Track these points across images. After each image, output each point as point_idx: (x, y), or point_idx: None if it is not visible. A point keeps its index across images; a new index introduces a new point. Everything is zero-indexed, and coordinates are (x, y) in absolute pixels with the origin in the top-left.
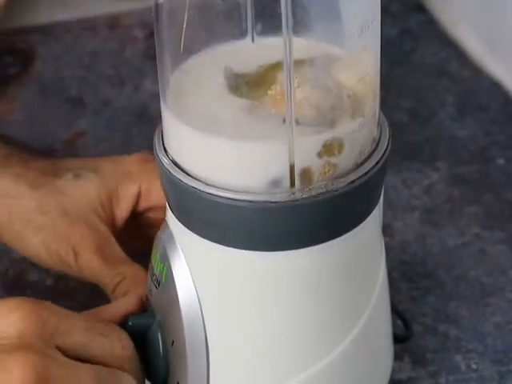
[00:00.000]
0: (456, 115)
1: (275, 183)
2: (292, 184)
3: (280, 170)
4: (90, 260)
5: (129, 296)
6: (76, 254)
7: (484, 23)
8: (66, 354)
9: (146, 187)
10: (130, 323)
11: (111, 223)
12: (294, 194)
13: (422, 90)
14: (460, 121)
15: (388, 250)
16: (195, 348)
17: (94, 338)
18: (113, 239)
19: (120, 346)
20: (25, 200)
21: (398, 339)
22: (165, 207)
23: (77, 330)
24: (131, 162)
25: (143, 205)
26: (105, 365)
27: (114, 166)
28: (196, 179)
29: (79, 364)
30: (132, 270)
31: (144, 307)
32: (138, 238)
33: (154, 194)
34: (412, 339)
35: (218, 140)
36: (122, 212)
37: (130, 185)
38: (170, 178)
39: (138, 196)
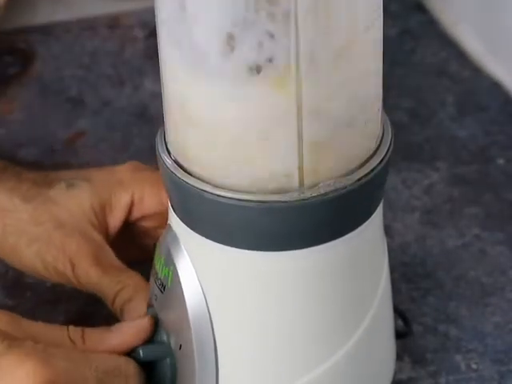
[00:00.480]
0: (456, 115)
1: (283, 183)
2: (301, 183)
3: (288, 169)
4: (87, 270)
5: (142, 318)
6: (73, 266)
7: (484, 23)
8: None
9: (138, 196)
10: (141, 354)
11: (105, 232)
12: (303, 193)
13: (422, 90)
14: (460, 121)
15: (388, 251)
16: (203, 351)
17: None
18: (108, 248)
19: None
20: (18, 213)
21: (397, 335)
22: (157, 215)
23: None
24: (123, 170)
25: (136, 214)
26: None
27: (107, 175)
28: (200, 180)
29: None
30: (131, 277)
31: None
32: (132, 247)
33: (147, 203)
34: (412, 339)
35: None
36: (115, 221)
37: (123, 193)
38: (173, 179)
39: (131, 205)
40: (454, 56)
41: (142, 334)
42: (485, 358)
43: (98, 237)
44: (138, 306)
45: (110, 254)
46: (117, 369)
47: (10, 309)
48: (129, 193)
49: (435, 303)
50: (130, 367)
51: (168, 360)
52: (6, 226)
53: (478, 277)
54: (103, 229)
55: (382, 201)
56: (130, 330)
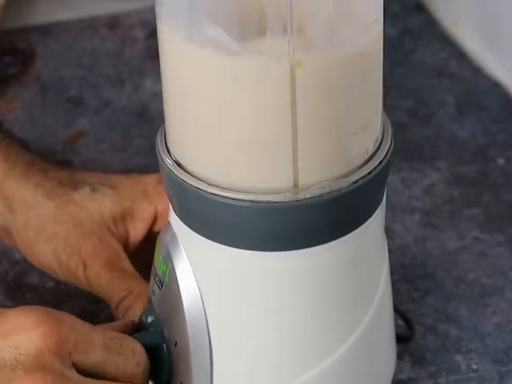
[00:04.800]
0: (456, 115)
1: (278, 183)
2: (296, 185)
3: (283, 171)
4: (98, 273)
5: (127, 319)
6: (85, 267)
7: (484, 23)
8: (81, 370)
9: (163, 207)
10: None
11: (124, 240)
12: (297, 193)
13: (422, 90)
14: (460, 121)
15: (388, 252)
16: (199, 348)
17: (110, 357)
18: (124, 255)
19: (135, 362)
20: (40, 209)
21: (400, 339)
22: None
23: (94, 348)
24: (149, 181)
25: (161, 225)
26: (117, 381)
27: (132, 184)
28: (199, 179)
29: (92, 382)
30: (139, 286)
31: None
32: None
33: None
34: (412, 339)
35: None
36: (137, 231)
37: (146, 205)
38: (172, 179)
39: (155, 217)
40: (454, 56)
41: (128, 327)
42: (485, 358)
43: (114, 243)
44: (136, 313)
45: (124, 261)
46: (124, 340)
47: None
48: (152, 205)
49: (435, 304)
50: (136, 344)
51: (165, 349)
52: (28, 221)
53: (477, 278)
54: (122, 237)
55: (384, 202)
56: (118, 325)
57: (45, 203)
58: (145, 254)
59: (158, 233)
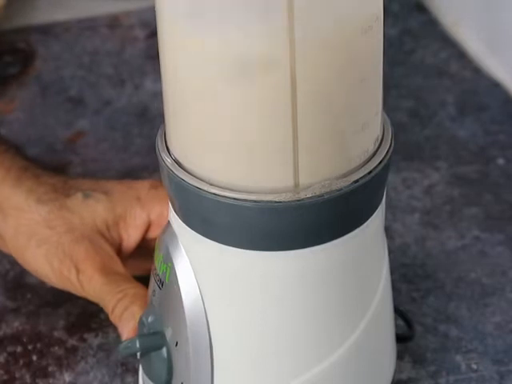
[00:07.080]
0: (456, 115)
1: (279, 183)
2: (296, 184)
3: (283, 170)
4: (91, 278)
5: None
6: (78, 271)
7: (484, 23)
8: None
9: (157, 213)
10: (138, 344)
11: (117, 246)
12: (298, 193)
13: (422, 90)
14: (460, 121)
15: (388, 252)
16: (199, 348)
17: None
18: (117, 259)
19: None
20: (32, 213)
21: (400, 339)
22: None
23: None
24: (142, 187)
25: (155, 231)
26: None
27: (125, 189)
28: (199, 179)
29: None
30: (134, 287)
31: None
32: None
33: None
34: (412, 339)
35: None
36: (130, 237)
37: (139, 211)
38: (172, 178)
39: (149, 223)
40: (454, 56)
41: None
42: (485, 358)
43: (106, 247)
44: (133, 315)
45: (117, 265)
46: None
47: (11, 311)
48: (145, 211)
49: (435, 303)
50: None
51: (165, 350)
52: (19, 226)
53: (478, 277)
54: (115, 242)
55: (384, 202)
56: None
57: (36, 207)
58: (141, 261)
59: (152, 240)
